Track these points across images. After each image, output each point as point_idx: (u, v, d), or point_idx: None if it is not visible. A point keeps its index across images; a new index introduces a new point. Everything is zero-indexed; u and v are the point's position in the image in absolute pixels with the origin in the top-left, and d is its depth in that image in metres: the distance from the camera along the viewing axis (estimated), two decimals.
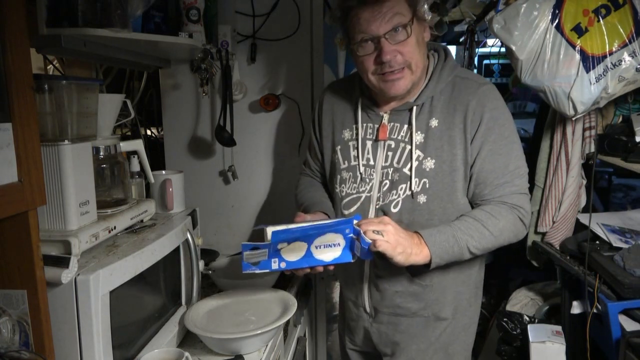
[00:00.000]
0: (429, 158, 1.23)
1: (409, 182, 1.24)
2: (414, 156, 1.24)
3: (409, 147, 1.25)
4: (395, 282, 1.32)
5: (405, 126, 1.27)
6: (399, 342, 1.38)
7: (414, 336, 1.36)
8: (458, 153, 1.22)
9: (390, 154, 1.28)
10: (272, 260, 1.14)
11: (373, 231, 1.10)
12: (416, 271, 1.28)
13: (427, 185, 1.23)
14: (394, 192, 1.26)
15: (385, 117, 1.29)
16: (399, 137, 1.27)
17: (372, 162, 1.30)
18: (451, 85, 1.25)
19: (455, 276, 1.32)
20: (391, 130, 1.28)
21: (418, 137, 1.24)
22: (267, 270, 1.15)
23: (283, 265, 1.15)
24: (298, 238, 1.13)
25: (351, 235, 1.14)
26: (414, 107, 1.25)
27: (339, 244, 1.15)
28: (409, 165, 1.24)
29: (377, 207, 1.28)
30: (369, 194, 1.30)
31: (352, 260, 1.15)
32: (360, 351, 1.54)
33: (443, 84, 1.25)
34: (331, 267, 1.17)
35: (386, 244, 1.10)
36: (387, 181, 1.27)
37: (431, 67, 1.28)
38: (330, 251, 1.15)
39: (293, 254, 1.15)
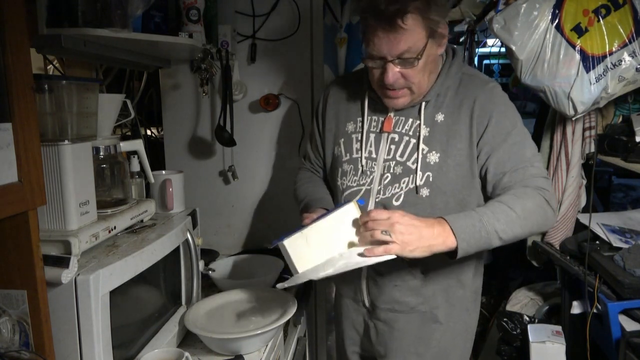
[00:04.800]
0: (433, 152, 1.23)
1: (412, 176, 1.24)
2: (420, 149, 1.23)
3: (413, 140, 1.25)
4: (394, 276, 1.31)
5: (410, 120, 1.27)
6: (395, 343, 1.36)
7: (412, 340, 1.35)
8: (463, 148, 1.22)
9: (393, 147, 1.27)
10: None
11: (382, 232, 1.08)
12: (415, 264, 1.27)
13: (431, 179, 1.22)
14: (396, 185, 1.25)
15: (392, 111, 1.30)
16: (403, 131, 1.27)
17: (374, 155, 1.30)
18: (458, 82, 1.26)
19: (449, 271, 1.31)
20: (396, 123, 1.28)
21: (423, 131, 1.24)
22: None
23: None
24: None
25: None
26: (422, 103, 1.25)
27: None
28: (413, 159, 1.24)
29: (377, 200, 1.27)
30: (369, 187, 1.29)
31: None
32: (360, 354, 1.53)
33: (450, 80, 1.26)
34: None
35: (393, 247, 1.07)
36: (389, 174, 1.27)
37: (440, 65, 1.28)
38: None
39: None
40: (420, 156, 1.23)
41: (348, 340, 1.52)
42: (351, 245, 1.16)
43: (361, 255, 1.11)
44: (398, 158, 1.26)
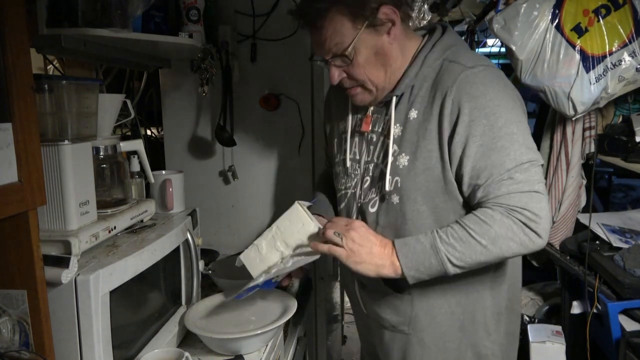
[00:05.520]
0: (403, 154, 1.10)
1: (384, 180, 1.12)
2: (390, 151, 1.11)
3: (387, 140, 1.13)
4: (374, 290, 1.22)
5: (386, 118, 1.16)
6: (385, 357, 1.29)
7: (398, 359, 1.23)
8: (433, 149, 1.07)
9: (372, 147, 1.18)
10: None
11: (334, 233, 1.04)
12: (396, 283, 1.15)
13: (399, 185, 1.10)
14: (373, 189, 1.16)
15: (370, 108, 1.20)
16: (380, 130, 1.17)
17: (357, 157, 1.21)
18: (437, 70, 1.09)
19: (442, 292, 1.15)
20: (374, 122, 1.18)
21: (396, 130, 1.12)
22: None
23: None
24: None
25: None
26: (393, 98, 1.13)
27: None
28: (385, 162, 1.13)
29: (359, 205, 1.20)
30: (353, 191, 1.21)
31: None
32: (371, 353, 1.52)
33: (428, 69, 1.10)
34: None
35: (340, 250, 1.04)
36: (368, 177, 1.18)
37: (408, 53, 1.14)
38: None
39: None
40: (390, 158, 1.11)
41: (363, 344, 1.51)
42: (301, 248, 1.14)
43: (298, 255, 1.12)
44: (375, 160, 1.17)
